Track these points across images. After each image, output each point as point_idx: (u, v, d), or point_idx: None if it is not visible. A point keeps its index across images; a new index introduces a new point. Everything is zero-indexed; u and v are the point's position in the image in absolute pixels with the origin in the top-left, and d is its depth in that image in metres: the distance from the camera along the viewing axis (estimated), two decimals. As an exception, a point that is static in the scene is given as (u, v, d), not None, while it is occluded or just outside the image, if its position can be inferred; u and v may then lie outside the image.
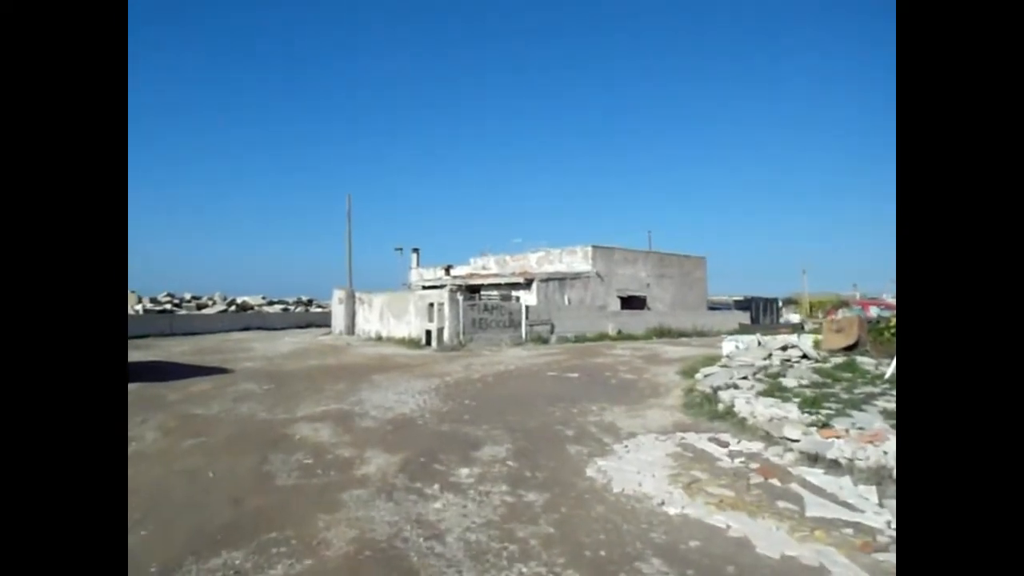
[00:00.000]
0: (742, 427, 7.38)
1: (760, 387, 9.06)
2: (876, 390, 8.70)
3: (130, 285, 32.26)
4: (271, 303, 38.60)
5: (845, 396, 8.17)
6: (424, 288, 28.22)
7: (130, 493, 5.09)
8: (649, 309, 30.10)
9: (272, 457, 6.31)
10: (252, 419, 8.46)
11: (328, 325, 31.07)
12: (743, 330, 26.69)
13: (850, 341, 13.46)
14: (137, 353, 18.27)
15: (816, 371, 10.62)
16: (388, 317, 25.00)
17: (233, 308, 35.27)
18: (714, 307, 36.34)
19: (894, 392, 8.19)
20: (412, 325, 22.79)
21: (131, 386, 11.41)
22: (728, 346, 15.17)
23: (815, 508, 4.67)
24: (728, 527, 4.34)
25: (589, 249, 28.42)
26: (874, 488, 4.96)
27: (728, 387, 9.26)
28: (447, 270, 35.81)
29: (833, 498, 4.89)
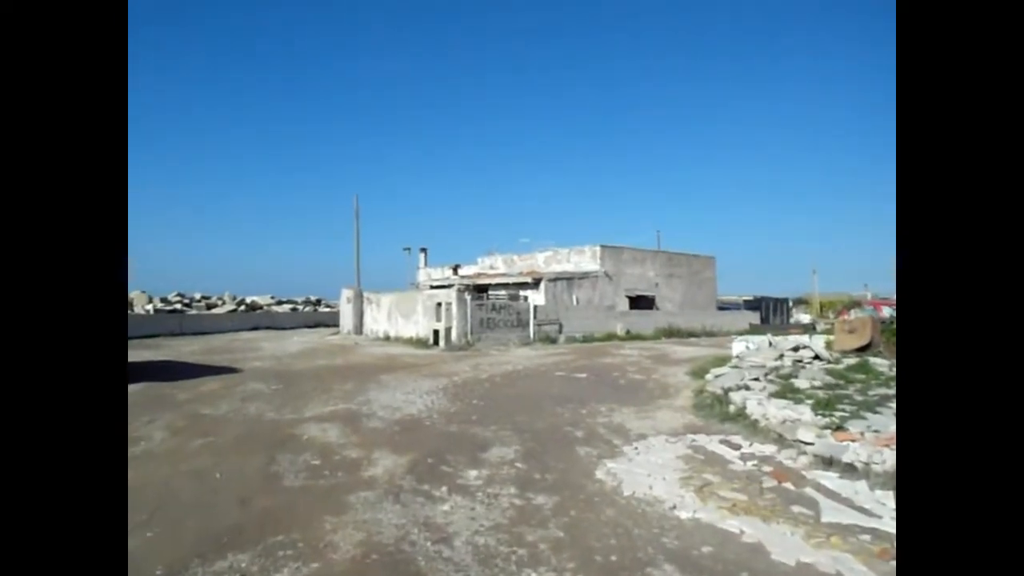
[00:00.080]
0: (754, 429, 7.28)
1: (772, 388, 8.94)
2: (891, 392, 8.56)
3: (141, 285, 32.55)
4: (280, 303, 38.76)
5: (859, 398, 8.04)
6: (432, 288, 28.20)
7: (138, 493, 5.07)
8: (658, 309, 29.96)
9: (280, 457, 6.28)
10: (260, 419, 8.44)
11: (336, 325, 31.15)
12: (753, 330, 26.50)
13: (863, 342, 13.27)
14: (147, 352, 18.36)
15: (829, 372, 10.47)
16: (396, 317, 25.02)
17: (242, 308, 35.43)
18: (723, 307, 36.16)
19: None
20: (420, 325, 22.78)
21: (141, 385, 11.46)
22: (738, 346, 15.02)
23: (831, 513, 4.57)
24: (741, 532, 4.25)
25: (597, 248, 28.31)
26: (891, 493, 4.85)
27: (739, 388, 9.15)
28: (455, 270, 35.79)
29: (849, 503, 4.79)
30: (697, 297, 33.13)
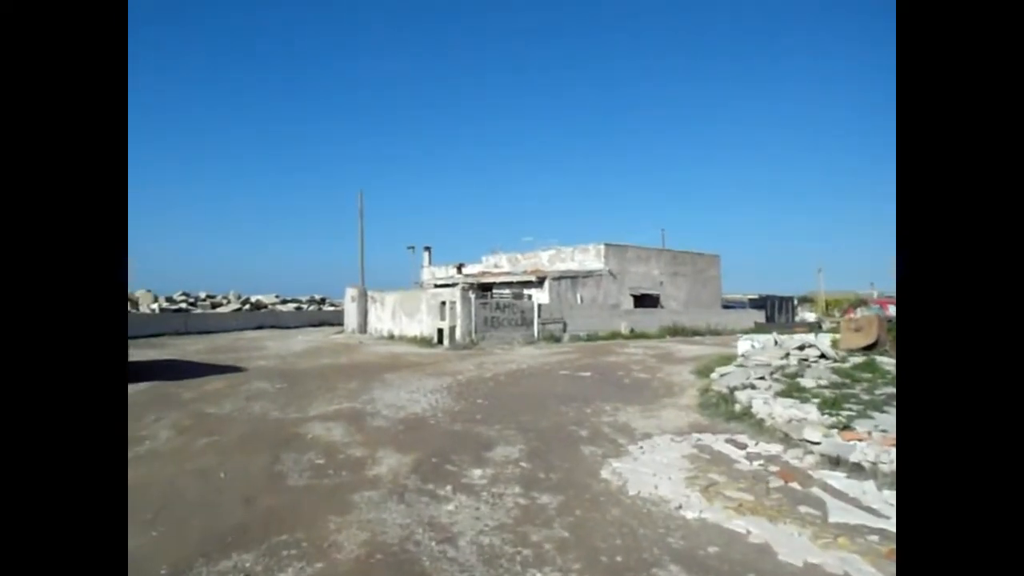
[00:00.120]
0: (760, 428, 7.24)
1: (778, 387, 8.89)
2: (897, 391, 8.51)
3: (146, 284, 32.66)
4: (284, 302, 38.80)
5: (866, 397, 7.98)
6: (436, 286, 28.22)
7: (143, 492, 5.08)
8: (662, 307, 29.89)
9: (284, 456, 6.27)
10: (265, 418, 8.45)
11: (340, 324, 31.19)
12: (758, 329, 26.38)
13: (869, 340, 13.20)
14: (152, 352, 18.41)
15: (835, 371, 10.42)
16: (400, 315, 25.02)
17: (247, 307, 35.48)
18: (728, 305, 36.02)
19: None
20: (424, 323, 22.78)
21: (147, 385, 11.48)
22: (743, 345, 14.96)
23: (838, 513, 4.54)
24: (748, 532, 4.22)
25: (602, 247, 28.24)
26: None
27: (745, 387, 9.10)
28: (459, 268, 35.77)
29: (856, 503, 4.76)
30: (702, 295, 33.03)
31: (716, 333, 28.52)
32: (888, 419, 6.60)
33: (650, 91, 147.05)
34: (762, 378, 9.68)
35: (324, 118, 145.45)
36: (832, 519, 4.44)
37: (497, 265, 33.88)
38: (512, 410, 8.91)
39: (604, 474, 5.64)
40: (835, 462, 5.69)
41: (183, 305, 32.67)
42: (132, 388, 10.94)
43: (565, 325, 23.88)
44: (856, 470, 5.44)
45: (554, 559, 3.81)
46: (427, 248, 38.41)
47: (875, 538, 4.09)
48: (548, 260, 30.51)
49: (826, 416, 6.77)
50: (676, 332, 27.35)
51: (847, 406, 7.31)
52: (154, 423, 7.98)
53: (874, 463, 5.38)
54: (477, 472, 5.69)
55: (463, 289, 21.70)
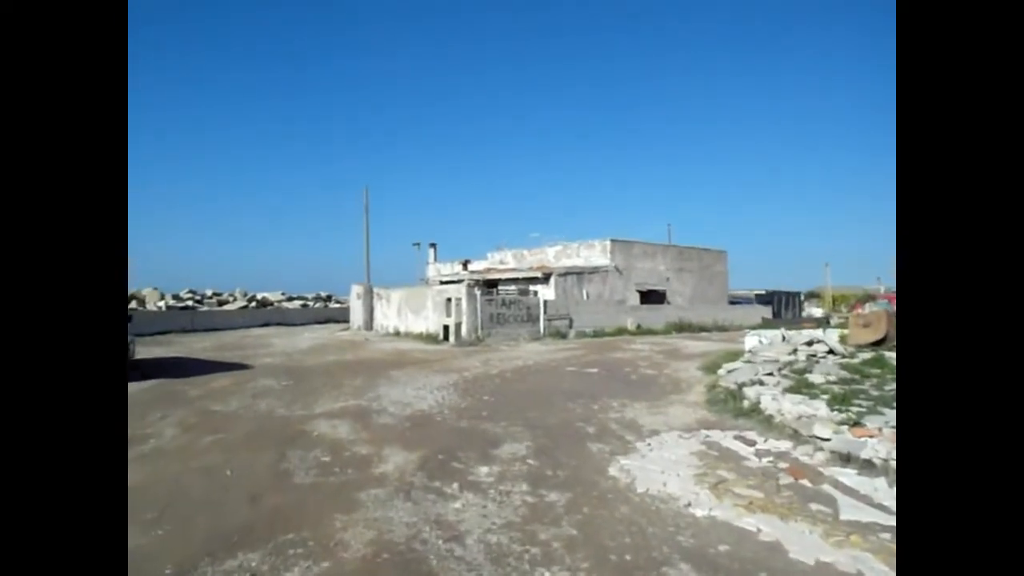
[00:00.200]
0: (769, 425, 7.18)
1: (786, 383, 8.82)
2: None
3: (153, 282, 32.77)
4: (290, 299, 38.85)
5: (876, 393, 7.91)
6: (442, 283, 28.17)
7: (148, 490, 5.07)
8: (668, 303, 29.77)
9: (290, 454, 6.25)
10: (270, 415, 8.43)
11: (346, 321, 31.20)
12: (765, 325, 26.30)
13: (878, 336, 13.09)
14: (159, 349, 18.47)
15: (843, 367, 10.32)
16: (406, 312, 25.01)
17: (253, 304, 35.54)
18: (735, 301, 35.84)
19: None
20: (430, 320, 22.76)
21: (153, 382, 11.51)
22: (751, 341, 14.86)
23: (849, 511, 4.48)
24: (759, 530, 4.16)
25: (607, 243, 28.13)
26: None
27: (753, 383, 9.03)
28: (464, 265, 35.74)
29: (868, 500, 4.69)
30: (708, 291, 32.87)
31: (723, 329, 28.42)
32: (899, 415, 6.51)
33: (656, 88, 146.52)
34: (770, 374, 9.61)
35: (329, 116, 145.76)
36: (843, 517, 4.38)
37: (503, 261, 33.82)
38: (519, 407, 8.88)
39: (612, 471, 5.59)
40: (846, 459, 5.62)
41: (189, 303, 32.74)
42: (138, 386, 10.97)
43: (571, 321, 23.83)
44: (867, 467, 5.38)
45: (562, 558, 3.77)
46: (433, 245, 38.43)
47: (887, 536, 4.02)
48: (554, 256, 30.42)
49: (836, 412, 6.71)
50: (682, 328, 27.27)
51: (857, 402, 7.24)
52: (160, 421, 7.98)
53: (885, 460, 5.31)
54: (484, 469, 5.66)
55: (469, 286, 21.65)
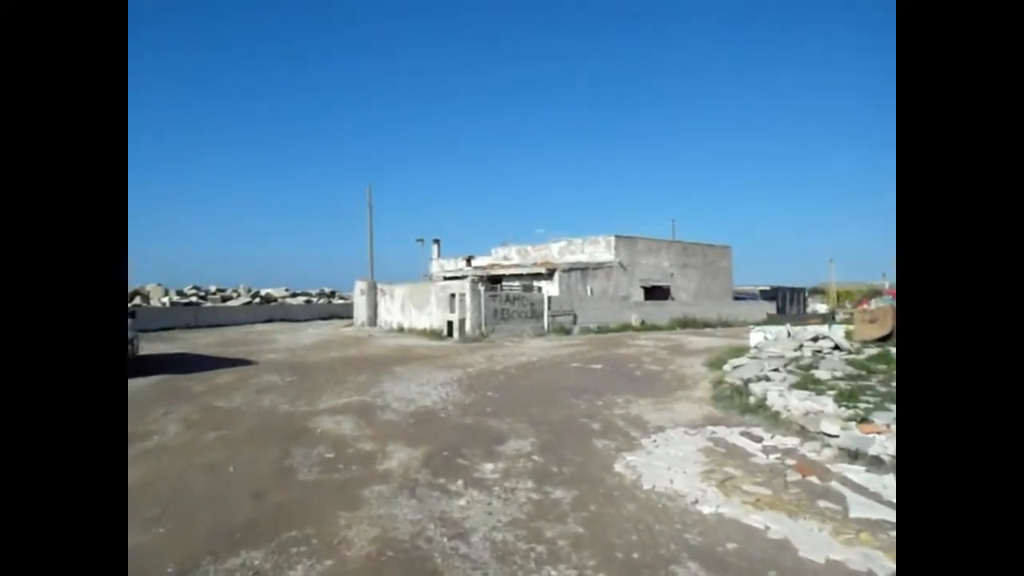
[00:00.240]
0: (775, 421, 7.11)
1: (792, 379, 8.75)
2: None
3: (157, 278, 32.83)
4: (294, 295, 38.92)
5: (883, 389, 7.83)
6: (445, 279, 28.14)
7: (151, 487, 5.05)
8: (673, 299, 29.67)
9: (293, 451, 6.22)
10: (274, 412, 8.41)
11: (350, 317, 31.22)
12: (770, 320, 26.15)
13: (884, 332, 13.00)
14: (163, 345, 18.49)
15: (850, 363, 10.24)
16: (410, 308, 24.98)
17: (257, 300, 35.62)
18: (739, 297, 35.72)
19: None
20: (434, 316, 22.73)
21: (157, 378, 11.50)
22: (756, 337, 14.80)
23: (859, 508, 4.42)
24: (767, 528, 4.11)
25: (612, 239, 28.04)
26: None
27: (759, 379, 8.96)
28: (468, 261, 35.70)
29: (877, 497, 4.63)
30: (712, 287, 32.76)
31: (727, 325, 28.33)
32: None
33: (656, 87, 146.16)
34: (776, 370, 9.54)
35: (331, 115, 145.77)
36: (853, 514, 4.33)
37: (507, 257, 33.76)
38: (523, 403, 8.83)
39: (618, 468, 5.55)
40: (854, 455, 5.56)
41: (194, 298, 32.81)
42: (142, 382, 10.97)
43: (575, 317, 23.77)
44: (876, 464, 5.32)
45: (569, 556, 3.72)
46: (436, 241, 38.39)
47: (899, 534, 3.97)
48: (558, 252, 30.35)
49: (843, 408, 6.64)
50: (687, 324, 27.18)
51: (864, 398, 7.17)
52: (163, 417, 7.96)
53: (894, 457, 5.24)
54: (489, 466, 5.61)
55: (473, 281, 21.60)
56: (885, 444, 5.43)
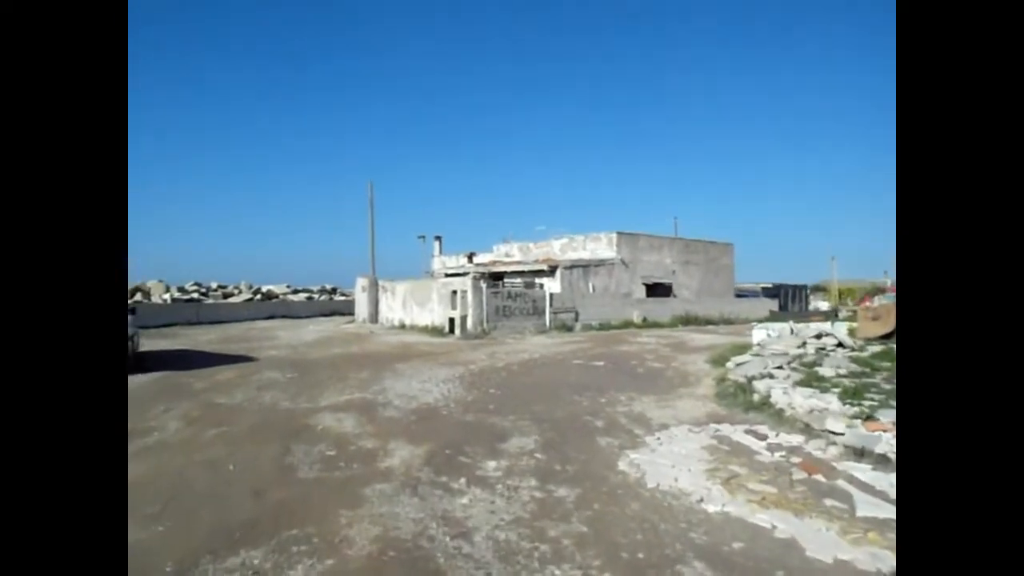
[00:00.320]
0: (780, 419, 7.06)
1: (796, 377, 8.70)
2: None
3: (158, 274, 32.83)
4: (295, 292, 38.88)
5: (887, 387, 7.77)
6: (447, 276, 28.09)
7: (151, 484, 5.00)
8: (675, 296, 29.62)
9: (294, 448, 6.18)
10: (275, 408, 8.37)
11: (351, 313, 31.18)
12: (773, 318, 26.07)
13: (887, 329, 12.93)
14: (164, 341, 18.45)
15: (854, 360, 10.19)
16: (411, 305, 24.94)
17: (258, 297, 35.57)
18: (741, 294, 35.66)
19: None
20: (435, 313, 22.69)
21: (158, 375, 11.47)
22: (759, 334, 14.73)
23: (866, 507, 4.37)
24: (773, 527, 4.06)
25: (613, 235, 27.97)
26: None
27: (763, 376, 8.91)
28: (470, 257, 35.63)
29: (884, 496, 4.57)
30: (714, 284, 32.69)
31: (729, 322, 28.26)
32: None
33: (656, 87, 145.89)
34: (780, 367, 9.49)
35: (331, 114, 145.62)
36: (860, 513, 4.27)
37: (508, 254, 33.69)
38: (525, 400, 8.79)
39: (622, 466, 5.50)
40: (859, 453, 5.51)
41: (195, 295, 32.76)
42: (142, 378, 10.93)
43: (577, 314, 23.72)
44: (882, 462, 5.26)
45: (573, 555, 3.68)
46: (438, 237, 38.28)
47: (907, 534, 3.92)
48: (560, 249, 30.29)
49: (848, 406, 6.59)
50: (689, 321, 27.12)
51: (869, 396, 7.12)
52: (163, 413, 7.92)
53: (902, 455, 5.19)
54: (491, 464, 5.57)
55: (474, 278, 21.55)
56: (891, 442, 5.37)
